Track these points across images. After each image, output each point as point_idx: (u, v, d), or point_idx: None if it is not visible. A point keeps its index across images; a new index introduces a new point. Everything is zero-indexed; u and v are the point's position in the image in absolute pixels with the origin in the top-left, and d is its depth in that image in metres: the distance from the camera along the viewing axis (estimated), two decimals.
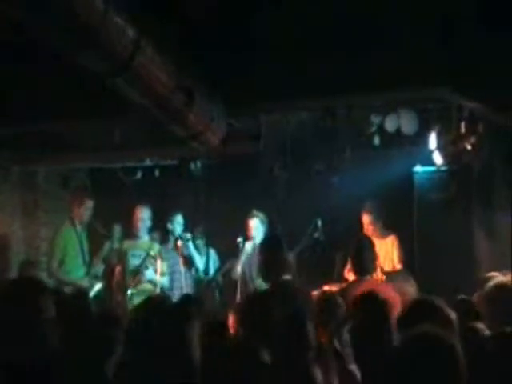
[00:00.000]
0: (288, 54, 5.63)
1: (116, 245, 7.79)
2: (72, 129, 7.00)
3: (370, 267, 5.30)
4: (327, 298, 4.58)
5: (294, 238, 7.46)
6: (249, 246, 7.28)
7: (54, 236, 7.54)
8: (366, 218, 7.37)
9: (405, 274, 5.85)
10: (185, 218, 7.85)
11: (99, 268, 7.58)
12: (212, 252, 8.11)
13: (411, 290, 5.55)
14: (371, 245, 5.47)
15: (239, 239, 7.44)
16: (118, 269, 7.47)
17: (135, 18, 4.28)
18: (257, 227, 7.35)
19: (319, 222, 7.43)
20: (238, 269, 7.23)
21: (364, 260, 5.31)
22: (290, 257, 7.18)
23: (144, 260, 7.33)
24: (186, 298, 4.46)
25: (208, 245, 8.20)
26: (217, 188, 8.32)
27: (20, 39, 4.58)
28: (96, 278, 7.50)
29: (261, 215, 7.44)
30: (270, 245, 5.50)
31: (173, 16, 5.07)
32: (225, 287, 7.86)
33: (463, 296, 4.36)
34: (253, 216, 7.40)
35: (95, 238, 7.80)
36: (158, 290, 7.29)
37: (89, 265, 7.50)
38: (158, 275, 7.33)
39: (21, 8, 3.57)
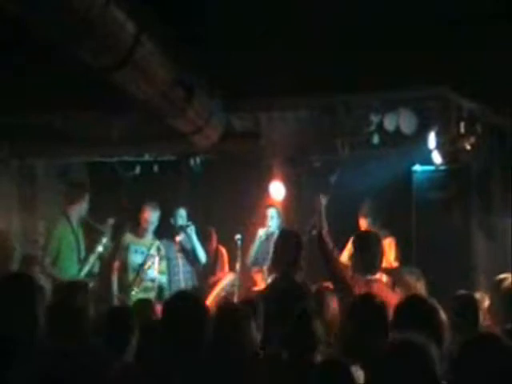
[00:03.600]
0: (288, 52, 5.63)
1: (109, 240, 7.71)
2: (71, 122, 6.99)
3: (376, 264, 5.06)
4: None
5: None
6: (263, 232, 7.66)
7: (48, 232, 7.46)
8: (363, 222, 7.35)
9: (411, 269, 5.81)
10: (188, 212, 7.86)
11: (95, 265, 7.38)
12: None
13: (419, 285, 5.49)
14: (378, 241, 5.23)
15: (237, 236, 7.49)
16: (116, 264, 7.42)
17: (136, 12, 4.28)
18: (273, 217, 7.73)
19: None
20: (252, 254, 7.61)
21: (371, 257, 5.06)
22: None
23: (146, 259, 7.33)
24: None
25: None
26: (216, 184, 8.31)
27: (19, 32, 4.57)
28: (91, 276, 7.26)
29: (278, 207, 7.87)
30: (282, 237, 5.79)
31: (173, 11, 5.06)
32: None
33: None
34: (272, 206, 7.82)
35: (91, 234, 7.69)
36: (156, 287, 7.30)
37: (84, 262, 7.26)
38: (155, 272, 7.33)
39: (20, 1, 3.57)
